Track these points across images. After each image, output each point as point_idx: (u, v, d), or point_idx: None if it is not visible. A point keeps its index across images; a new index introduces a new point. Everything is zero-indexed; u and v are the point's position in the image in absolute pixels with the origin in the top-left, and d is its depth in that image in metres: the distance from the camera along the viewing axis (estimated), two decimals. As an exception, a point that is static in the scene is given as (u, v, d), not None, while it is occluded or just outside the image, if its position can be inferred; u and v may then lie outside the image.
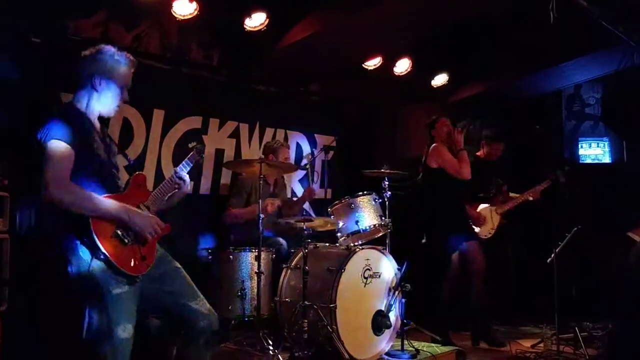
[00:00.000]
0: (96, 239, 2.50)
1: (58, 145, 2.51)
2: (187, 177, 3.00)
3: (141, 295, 2.69)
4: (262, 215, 4.32)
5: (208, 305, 2.92)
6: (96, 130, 2.78)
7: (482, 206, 5.64)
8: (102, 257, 2.51)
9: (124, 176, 3.01)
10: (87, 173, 2.62)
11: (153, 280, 2.75)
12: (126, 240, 2.60)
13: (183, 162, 3.02)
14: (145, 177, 2.92)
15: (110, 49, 2.82)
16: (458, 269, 5.22)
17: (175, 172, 2.97)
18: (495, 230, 5.60)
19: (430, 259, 5.26)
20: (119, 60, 2.81)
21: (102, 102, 2.80)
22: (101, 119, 2.88)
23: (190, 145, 3.11)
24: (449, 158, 5.13)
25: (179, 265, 2.94)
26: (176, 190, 2.99)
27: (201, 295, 2.92)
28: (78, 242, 2.54)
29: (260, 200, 4.34)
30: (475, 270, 5.14)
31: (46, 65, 4.31)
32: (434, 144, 5.26)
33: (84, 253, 2.53)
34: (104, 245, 2.51)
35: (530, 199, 5.71)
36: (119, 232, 2.58)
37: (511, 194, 5.77)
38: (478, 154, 5.83)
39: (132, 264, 2.61)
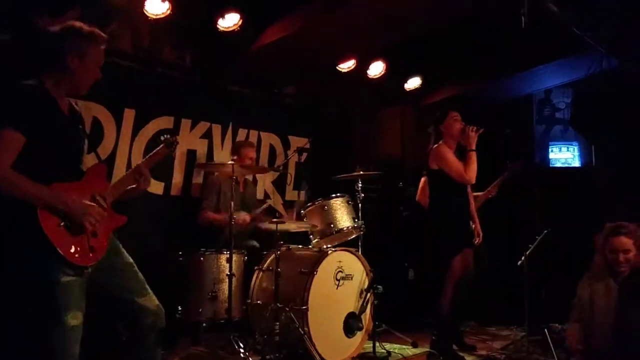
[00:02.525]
0: (42, 228, 2.43)
1: (6, 131, 2.44)
2: (147, 173, 2.90)
3: (90, 287, 2.62)
4: (234, 217, 4.29)
5: (156, 301, 2.85)
6: (62, 113, 2.69)
7: None
8: (47, 245, 2.44)
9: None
10: (44, 157, 2.55)
11: (102, 273, 2.69)
12: (74, 231, 2.53)
13: (149, 155, 2.97)
14: (106, 168, 2.88)
15: (80, 25, 2.71)
16: (460, 275, 4.85)
17: (137, 167, 2.91)
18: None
19: (432, 263, 5.08)
20: (90, 36, 2.71)
21: (76, 81, 2.71)
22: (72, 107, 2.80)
23: (162, 138, 3.05)
24: (452, 160, 4.71)
25: (131, 260, 2.87)
26: (134, 186, 2.90)
27: (150, 292, 2.85)
28: (25, 231, 2.46)
29: (232, 203, 4.30)
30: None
31: (15, 62, 4.23)
32: (437, 145, 4.80)
33: (30, 243, 2.47)
34: (50, 234, 2.45)
35: (490, 196, 5.72)
36: (65, 221, 2.51)
37: (474, 194, 5.73)
38: None
39: (78, 254, 2.53)
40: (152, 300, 2.83)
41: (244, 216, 4.98)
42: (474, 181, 4.72)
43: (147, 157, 2.99)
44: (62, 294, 2.48)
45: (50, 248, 2.45)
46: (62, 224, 2.51)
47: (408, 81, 6.75)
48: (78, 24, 2.71)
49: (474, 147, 4.66)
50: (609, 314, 3.68)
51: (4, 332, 2.86)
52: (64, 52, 2.64)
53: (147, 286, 2.86)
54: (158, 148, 3.01)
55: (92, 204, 2.64)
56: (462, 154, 4.77)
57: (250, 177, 5.69)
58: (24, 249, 2.48)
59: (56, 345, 2.46)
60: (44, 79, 2.65)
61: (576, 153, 7.86)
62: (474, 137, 4.68)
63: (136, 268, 2.88)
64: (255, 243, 5.02)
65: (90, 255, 2.60)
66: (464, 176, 4.63)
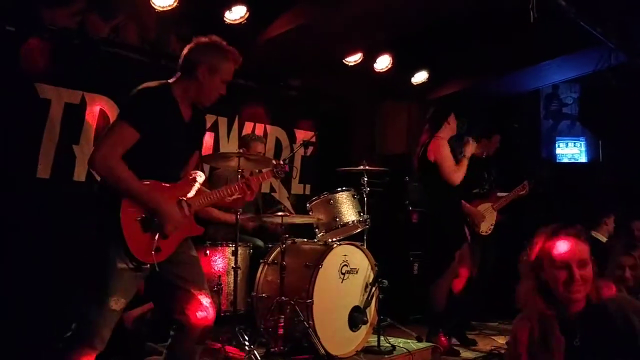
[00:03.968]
0: (119, 216, 2.57)
1: (123, 125, 2.63)
2: (253, 186, 3.12)
3: (154, 275, 2.72)
4: (239, 210, 4.28)
5: (210, 300, 2.93)
6: (181, 119, 2.83)
7: (481, 205, 5.56)
8: (118, 233, 2.57)
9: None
10: (151, 157, 2.70)
11: (168, 261, 2.77)
12: (148, 228, 2.66)
13: (257, 173, 3.32)
14: (202, 176, 3.00)
15: (220, 42, 2.90)
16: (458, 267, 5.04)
17: (243, 177, 3.23)
18: (493, 227, 5.59)
19: (432, 256, 5.15)
20: (225, 54, 2.88)
21: (201, 93, 2.85)
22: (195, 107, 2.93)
23: (274, 163, 3.37)
24: (447, 156, 4.81)
25: (196, 254, 3.00)
26: (240, 196, 3.10)
27: (207, 289, 2.95)
28: (105, 213, 2.62)
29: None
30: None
31: (21, 54, 4.24)
32: (438, 134, 4.88)
33: (105, 226, 2.62)
34: (124, 225, 2.58)
35: (522, 193, 5.68)
36: (145, 217, 2.65)
37: (499, 194, 5.74)
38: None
39: (142, 250, 2.64)
40: (205, 297, 2.91)
41: (251, 221, 4.99)
42: (457, 183, 4.84)
43: (254, 173, 3.26)
44: (114, 278, 2.60)
45: (119, 234, 2.58)
46: (141, 217, 2.64)
47: (415, 75, 6.73)
48: (218, 40, 2.91)
49: (468, 156, 4.86)
50: None
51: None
52: (197, 62, 2.81)
53: (206, 284, 2.96)
54: (266, 170, 3.29)
55: (179, 212, 2.78)
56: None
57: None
58: (101, 230, 2.65)
59: (92, 319, 2.59)
60: (174, 85, 2.81)
61: (583, 149, 7.83)
62: (472, 147, 4.90)
63: (200, 264, 3.00)
64: (259, 242, 4.99)
65: (154, 254, 2.68)
66: (452, 175, 4.78)
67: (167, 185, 2.78)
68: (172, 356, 2.92)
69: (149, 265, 2.68)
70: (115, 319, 2.66)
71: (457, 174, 4.80)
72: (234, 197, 3.10)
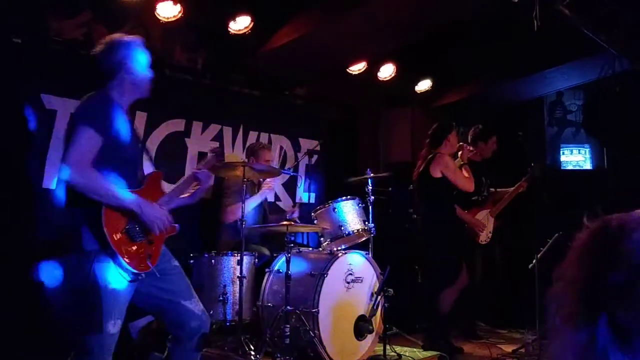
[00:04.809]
0: (106, 232, 2.49)
1: (88, 131, 2.54)
2: (203, 176, 3.07)
3: (138, 289, 2.68)
4: (244, 220, 4.28)
5: (202, 306, 2.93)
6: (128, 123, 2.80)
7: (479, 213, 5.57)
8: (108, 251, 2.51)
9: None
10: (113, 162, 2.64)
11: (151, 276, 2.73)
12: (135, 237, 2.61)
13: (200, 165, 3.13)
14: (161, 175, 2.96)
15: (117, 35, 2.86)
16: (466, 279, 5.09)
17: (193, 173, 3.06)
18: (491, 234, 5.58)
19: (435, 268, 5.17)
20: (132, 41, 2.86)
21: (136, 87, 2.84)
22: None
23: (208, 150, 3.27)
24: (456, 169, 4.97)
25: (178, 264, 2.95)
26: (198, 187, 3.06)
27: (196, 296, 2.93)
28: (85, 233, 2.53)
29: (243, 205, 4.29)
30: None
31: (27, 66, 4.27)
32: (441, 152, 4.99)
33: (88, 244, 2.52)
34: (113, 240, 2.51)
35: (521, 190, 5.68)
36: (129, 227, 2.59)
37: (499, 190, 5.73)
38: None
39: (137, 261, 2.61)
40: (197, 305, 2.90)
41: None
42: (473, 189, 5.08)
43: (199, 164, 3.14)
44: (108, 302, 2.53)
45: (111, 253, 2.51)
46: (125, 228, 2.58)
47: (418, 83, 6.75)
48: (118, 35, 2.86)
49: (466, 161, 5.13)
50: None
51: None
52: (119, 61, 2.78)
53: (193, 290, 2.93)
54: (208, 157, 3.19)
55: (165, 210, 2.75)
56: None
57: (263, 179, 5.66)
58: (83, 251, 2.54)
59: (94, 349, 2.52)
60: (110, 92, 2.78)
61: (588, 156, 7.81)
62: (467, 153, 5.15)
63: (183, 272, 2.95)
64: (265, 251, 4.99)
65: (148, 262, 2.66)
66: (467, 185, 4.99)
67: (137, 191, 2.71)
68: None
69: (143, 274, 2.64)
70: (115, 341, 2.60)
71: (470, 182, 5.02)
72: (194, 189, 3.05)
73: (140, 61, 2.84)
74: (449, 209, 5.08)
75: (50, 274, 3.85)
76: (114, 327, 2.55)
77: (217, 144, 3.23)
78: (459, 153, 5.15)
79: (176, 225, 2.85)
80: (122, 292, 2.59)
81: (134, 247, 2.60)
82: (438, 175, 4.90)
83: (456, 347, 5.07)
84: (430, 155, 5.00)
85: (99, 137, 2.56)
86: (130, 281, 2.60)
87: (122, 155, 2.70)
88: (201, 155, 5.58)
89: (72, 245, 2.58)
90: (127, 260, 2.54)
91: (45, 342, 3.93)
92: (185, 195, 3.02)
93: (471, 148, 5.25)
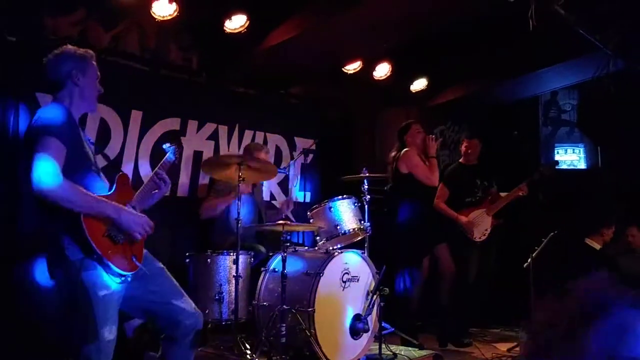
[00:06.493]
0: (89, 238, 2.47)
1: (53, 140, 2.51)
2: (167, 178, 3.01)
3: (126, 295, 2.67)
4: (240, 219, 4.27)
5: (193, 304, 2.93)
6: (80, 129, 2.78)
7: (473, 212, 5.58)
8: (95, 256, 2.50)
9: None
10: (77, 172, 2.62)
11: (138, 279, 2.73)
12: (118, 239, 2.60)
13: (161, 163, 3.03)
14: (129, 177, 2.94)
15: (71, 46, 2.86)
16: (427, 273, 5.32)
17: (157, 174, 2.97)
18: (489, 232, 5.58)
19: (403, 263, 5.35)
20: (84, 54, 2.84)
21: (85, 97, 2.81)
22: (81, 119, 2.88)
23: (164, 147, 3.12)
24: (419, 163, 5.25)
25: (162, 265, 2.94)
26: (156, 191, 2.98)
27: (185, 295, 2.93)
28: (68, 242, 2.50)
29: (239, 203, 4.29)
30: (443, 273, 5.29)
31: (22, 64, 4.25)
32: (405, 150, 5.33)
33: (73, 253, 2.50)
34: (97, 245, 2.50)
35: (520, 194, 5.69)
36: (110, 230, 2.57)
37: (501, 194, 5.76)
38: (461, 160, 5.86)
39: (124, 262, 2.61)
40: (189, 303, 2.90)
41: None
42: (437, 184, 5.34)
43: (159, 164, 3.04)
44: (100, 309, 2.52)
45: (97, 258, 2.50)
46: (106, 232, 2.56)
47: (414, 82, 6.75)
48: (69, 46, 2.86)
49: (434, 154, 5.32)
50: None
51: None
52: (68, 72, 2.76)
53: (181, 289, 2.93)
54: (165, 158, 3.08)
55: (143, 215, 2.74)
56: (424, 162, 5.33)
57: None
58: (68, 260, 2.51)
59: (92, 357, 2.51)
60: (61, 100, 2.75)
61: (582, 155, 7.84)
62: (433, 146, 5.34)
63: (168, 272, 2.94)
64: (262, 249, 5.01)
65: (133, 262, 2.66)
66: (430, 178, 5.24)
67: (108, 195, 2.68)
68: None
69: (131, 275, 2.64)
70: (113, 346, 2.59)
71: (432, 176, 5.25)
72: (155, 192, 2.99)
73: (90, 75, 2.82)
74: (419, 204, 5.30)
75: (38, 286, 3.81)
76: (110, 333, 2.55)
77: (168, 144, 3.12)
78: (428, 149, 5.34)
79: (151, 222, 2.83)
80: (113, 297, 2.58)
81: (118, 249, 2.60)
82: (405, 171, 5.26)
83: (464, 341, 5.15)
84: (398, 154, 5.34)
85: (64, 147, 2.54)
86: (117, 284, 2.59)
87: (85, 163, 2.70)
88: (197, 155, 5.59)
89: (55, 257, 2.55)
90: (114, 262, 2.54)
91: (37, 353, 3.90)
92: (156, 191, 2.99)
93: (433, 137, 5.44)
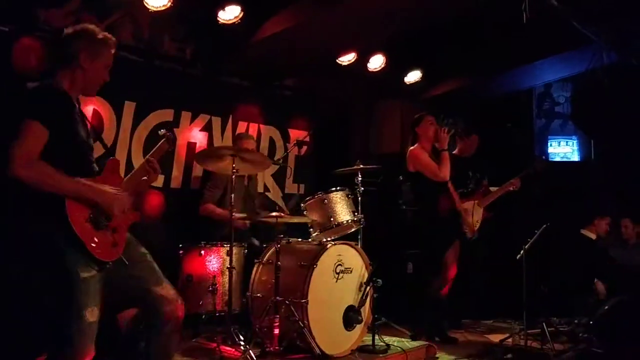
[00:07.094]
0: (71, 224, 2.48)
1: (34, 124, 2.50)
2: (157, 166, 3.00)
3: (107, 279, 2.66)
4: (234, 210, 4.28)
5: (173, 291, 2.89)
6: (77, 110, 2.76)
7: (465, 203, 5.59)
8: (76, 242, 2.49)
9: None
10: (64, 153, 2.60)
11: (119, 264, 2.73)
12: (99, 225, 2.59)
13: (155, 149, 3.04)
14: (119, 162, 2.92)
15: (94, 27, 2.82)
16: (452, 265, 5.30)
17: (148, 160, 2.97)
18: (479, 224, 5.60)
19: (423, 259, 5.39)
20: (102, 38, 2.81)
21: (87, 81, 2.78)
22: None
23: (160, 133, 3.13)
24: (425, 162, 5.18)
25: (146, 251, 2.93)
26: (145, 178, 2.98)
27: (167, 281, 2.89)
28: (49, 227, 2.50)
29: (232, 195, 4.28)
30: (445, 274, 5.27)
31: (15, 53, 4.23)
32: (411, 148, 5.28)
33: (55, 237, 2.50)
34: (79, 230, 2.50)
35: (511, 189, 5.70)
36: (92, 216, 2.57)
37: (491, 188, 5.78)
38: (455, 152, 5.86)
39: (104, 249, 2.60)
40: (168, 289, 2.87)
41: (243, 221, 5.00)
42: (447, 178, 5.18)
43: (152, 151, 3.04)
44: (81, 291, 2.52)
45: (78, 243, 2.50)
46: (89, 217, 2.56)
47: (408, 75, 6.74)
48: (92, 26, 2.81)
49: (446, 147, 5.19)
50: None
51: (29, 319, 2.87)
52: (77, 50, 2.73)
53: (163, 276, 2.90)
54: (159, 144, 3.08)
55: (121, 192, 2.72)
56: (436, 155, 5.25)
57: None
58: (50, 243, 2.51)
59: (74, 338, 2.50)
60: (61, 79, 2.72)
61: (575, 147, 7.87)
62: (445, 138, 5.20)
63: (151, 258, 2.92)
64: (255, 241, 5.02)
65: (113, 250, 2.66)
66: (438, 174, 5.13)
67: (94, 179, 2.68)
68: (149, 352, 2.88)
69: (110, 262, 2.64)
70: (95, 328, 2.58)
71: (442, 170, 5.13)
72: (144, 179, 2.99)
73: (100, 61, 2.79)
74: (432, 202, 5.20)
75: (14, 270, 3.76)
76: (91, 315, 2.54)
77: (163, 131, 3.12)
78: (440, 142, 5.25)
79: (138, 212, 2.85)
80: (94, 279, 2.57)
81: (100, 236, 2.59)
82: (412, 169, 5.24)
83: (450, 337, 5.13)
84: (406, 151, 5.31)
85: (45, 130, 2.52)
86: (97, 271, 2.58)
87: (72, 146, 2.67)
88: (190, 146, 5.57)
89: (36, 240, 2.55)
90: (94, 249, 2.54)
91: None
92: (144, 178, 2.98)
93: (446, 129, 5.26)
